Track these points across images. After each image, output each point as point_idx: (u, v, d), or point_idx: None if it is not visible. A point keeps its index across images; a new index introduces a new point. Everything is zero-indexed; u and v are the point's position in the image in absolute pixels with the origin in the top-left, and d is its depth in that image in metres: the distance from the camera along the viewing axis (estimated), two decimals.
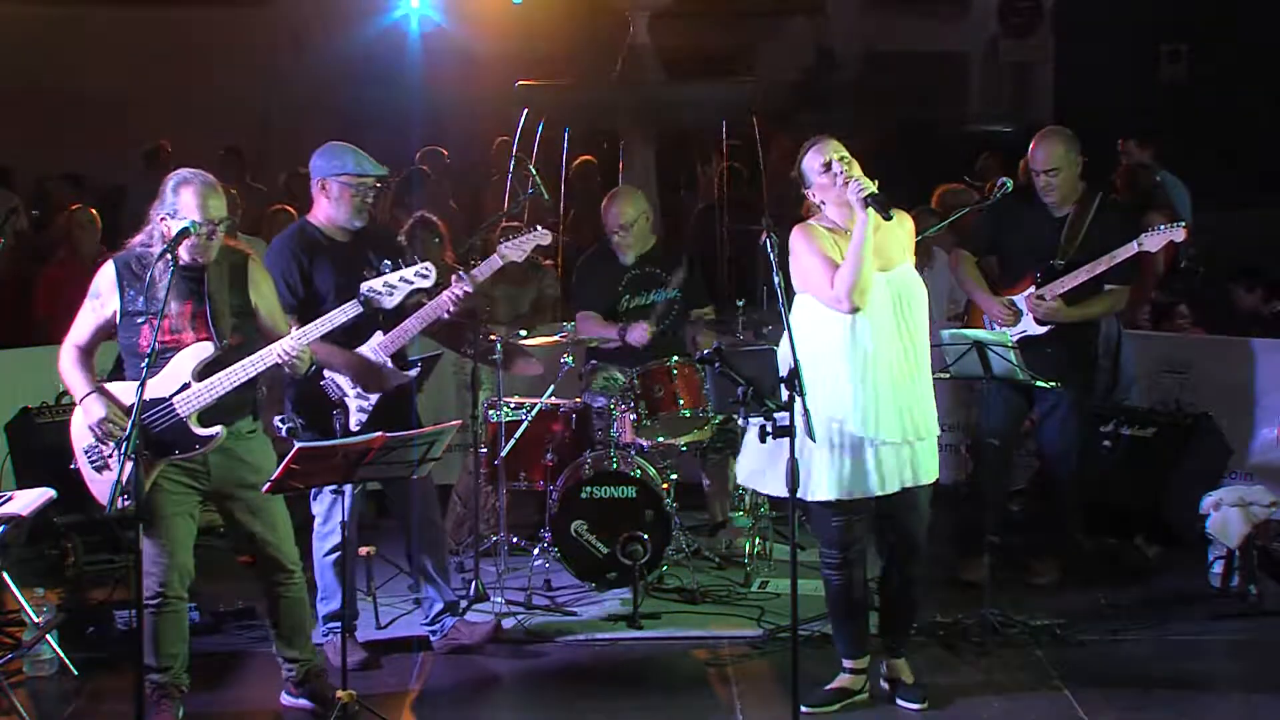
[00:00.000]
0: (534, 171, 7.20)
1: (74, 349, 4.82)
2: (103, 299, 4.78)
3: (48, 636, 5.43)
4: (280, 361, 4.72)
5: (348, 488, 4.93)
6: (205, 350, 4.72)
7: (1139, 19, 14.48)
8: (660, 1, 8.87)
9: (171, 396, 4.70)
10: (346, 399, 5.31)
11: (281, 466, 4.52)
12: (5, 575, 5.51)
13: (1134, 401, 7.07)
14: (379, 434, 4.62)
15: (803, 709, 4.77)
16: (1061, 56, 16.16)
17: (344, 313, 4.82)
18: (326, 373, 5.27)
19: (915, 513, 4.95)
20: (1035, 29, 16.25)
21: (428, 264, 4.89)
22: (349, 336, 5.18)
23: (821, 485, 4.79)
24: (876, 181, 4.74)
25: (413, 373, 5.43)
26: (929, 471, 4.92)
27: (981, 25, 16.51)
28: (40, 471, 6.05)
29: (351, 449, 4.63)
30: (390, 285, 4.81)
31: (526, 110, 8.55)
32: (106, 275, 4.77)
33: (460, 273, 5.49)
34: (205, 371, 4.71)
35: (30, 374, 6.97)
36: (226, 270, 4.81)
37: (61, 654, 5.44)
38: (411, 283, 4.84)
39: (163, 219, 4.67)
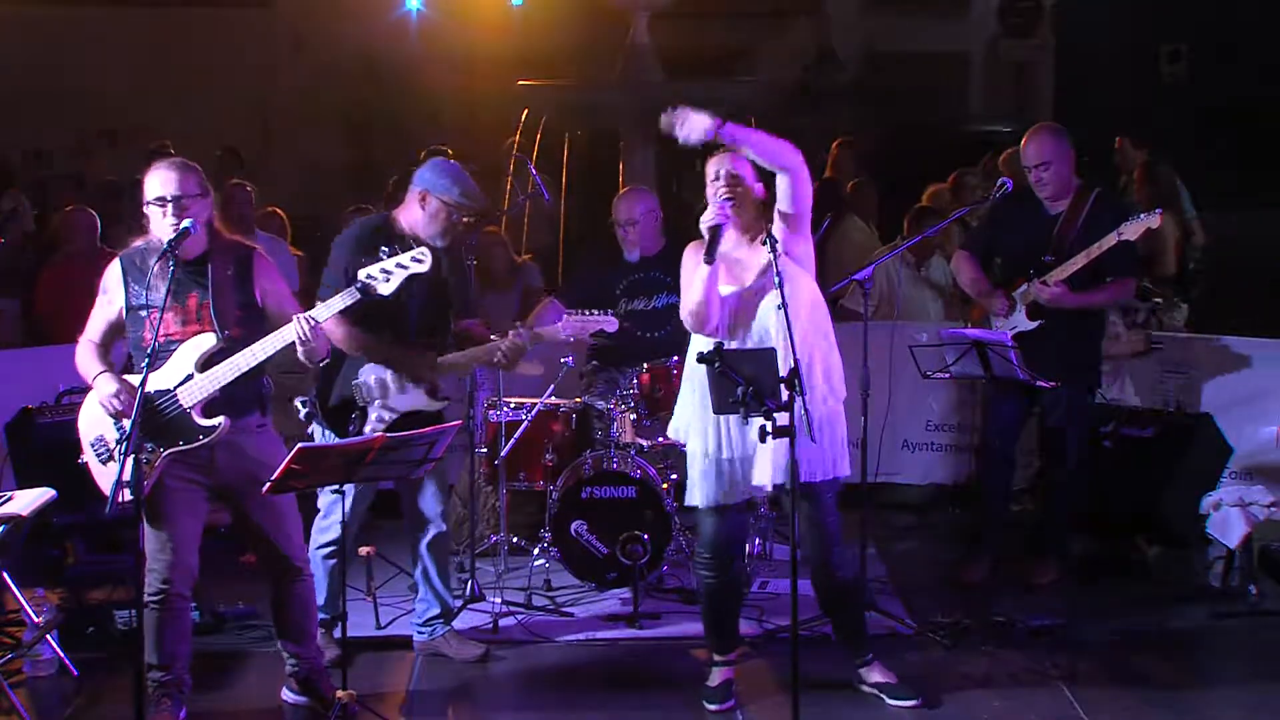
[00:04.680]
0: (534, 172, 7.20)
1: (89, 344, 4.87)
2: (110, 295, 4.85)
3: (48, 636, 5.42)
4: (297, 341, 4.70)
5: (349, 488, 4.92)
6: (207, 342, 4.74)
7: (1139, 19, 14.51)
8: (660, 1, 8.86)
9: (175, 388, 4.74)
10: (370, 407, 5.31)
11: (282, 466, 4.52)
12: (5, 575, 5.51)
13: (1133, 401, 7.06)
14: (379, 434, 4.61)
15: (708, 706, 5.03)
16: (1061, 56, 16.19)
17: (342, 299, 4.80)
18: (361, 376, 5.28)
19: (812, 503, 4.90)
20: (1035, 29, 16.28)
21: (423, 249, 4.88)
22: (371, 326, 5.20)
23: (695, 493, 4.94)
24: (719, 223, 4.74)
25: (439, 405, 5.41)
26: (823, 465, 4.89)
27: (981, 25, 16.55)
28: (40, 471, 6.04)
29: (352, 449, 4.63)
30: (386, 271, 4.79)
31: (526, 110, 8.55)
32: (113, 272, 4.84)
33: (519, 326, 5.56)
34: (208, 363, 4.73)
35: (30, 374, 6.96)
36: (232, 263, 4.84)
37: (62, 654, 5.44)
38: (407, 268, 4.81)
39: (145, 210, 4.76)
